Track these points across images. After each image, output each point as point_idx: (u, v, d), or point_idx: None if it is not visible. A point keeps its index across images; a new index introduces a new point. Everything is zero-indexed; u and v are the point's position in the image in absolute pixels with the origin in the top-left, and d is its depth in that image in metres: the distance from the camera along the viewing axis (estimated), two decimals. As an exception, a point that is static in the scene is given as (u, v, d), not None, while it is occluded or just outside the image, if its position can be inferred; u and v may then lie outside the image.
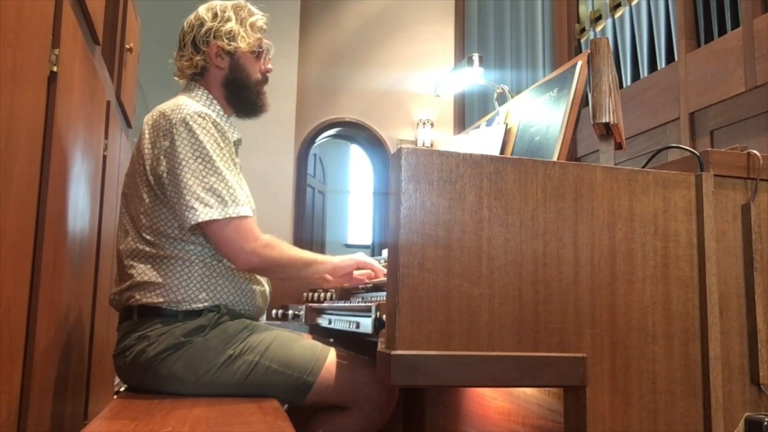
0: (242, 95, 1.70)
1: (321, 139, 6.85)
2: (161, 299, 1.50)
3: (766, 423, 1.08)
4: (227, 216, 1.48)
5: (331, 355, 1.56)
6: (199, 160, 1.49)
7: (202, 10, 1.69)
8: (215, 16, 1.67)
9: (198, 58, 1.66)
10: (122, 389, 1.64)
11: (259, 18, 1.72)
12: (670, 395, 1.08)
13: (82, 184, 1.76)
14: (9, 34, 1.09)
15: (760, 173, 1.16)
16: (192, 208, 1.47)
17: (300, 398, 1.52)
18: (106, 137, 2.15)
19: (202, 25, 1.66)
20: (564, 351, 1.04)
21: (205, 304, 1.52)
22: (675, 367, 1.09)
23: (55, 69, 1.37)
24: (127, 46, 2.66)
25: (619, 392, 1.06)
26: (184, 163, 1.49)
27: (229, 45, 1.65)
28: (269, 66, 1.75)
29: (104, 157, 2.14)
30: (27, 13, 1.18)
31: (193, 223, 1.47)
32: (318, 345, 1.60)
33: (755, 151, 1.17)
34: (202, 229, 1.51)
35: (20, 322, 1.24)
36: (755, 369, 1.12)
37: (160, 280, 1.51)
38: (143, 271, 1.53)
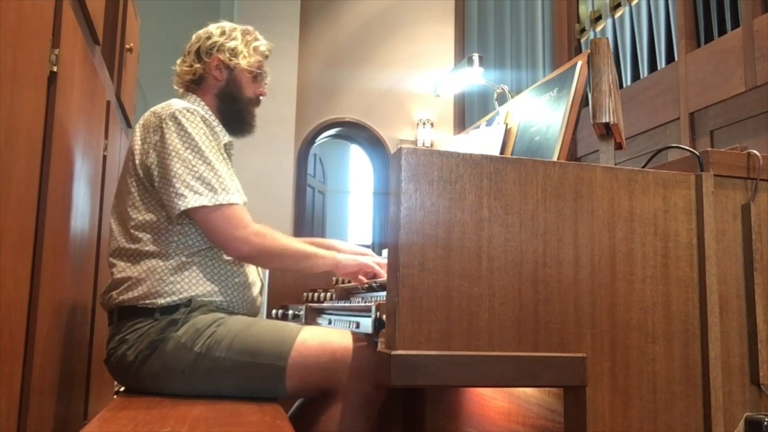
0: (233, 108, 1.75)
1: (321, 139, 6.85)
2: (136, 294, 1.50)
3: (766, 423, 1.08)
4: (217, 203, 1.50)
5: (302, 335, 1.50)
6: (189, 150, 1.53)
7: (212, 27, 1.77)
8: (223, 33, 1.75)
9: (198, 66, 1.73)
10: (122, 389, 1.64)
11: (264, 44, 1.80)
12: (670, 395, 1.08)
13: (82, 184, 1.76)
14: (9, 34, 1.09)
15: (760, 173, 1.16)
16: (181, 195, 1.49)
17: (280, 386, 1.47)
18: (106, 137, 2.15)
19: (209, 38, 1.74)
20: (564, 351, 1.04)
21: (180, 297, 1.50)
22: (675, 367, 1.09)
23: (55, 69, 1.37)
24: (127, 46, 2.66)
25: (619, 392, 1.06)
26: (173, 153, 1.52)
27: (230, 60, 1.73)
28: (264, 90, 1.82)
29: (104, 157, 2.14)
30: (27, 13, 1.18)
31: (182, 209, 1.49)
32: (288, 326, 1.54)
33: (755, 151, 1.17)
34: (191, 217, 1.53)
35: (20, 322, 1.24)
36: (755, 369, 1.12)
37: (135, 274, 1.52)
38: (123, 268, 1.54)
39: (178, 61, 1.76)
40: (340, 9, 6.76)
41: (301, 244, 1.65)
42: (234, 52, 1.73)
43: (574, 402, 1.06)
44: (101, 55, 2.12)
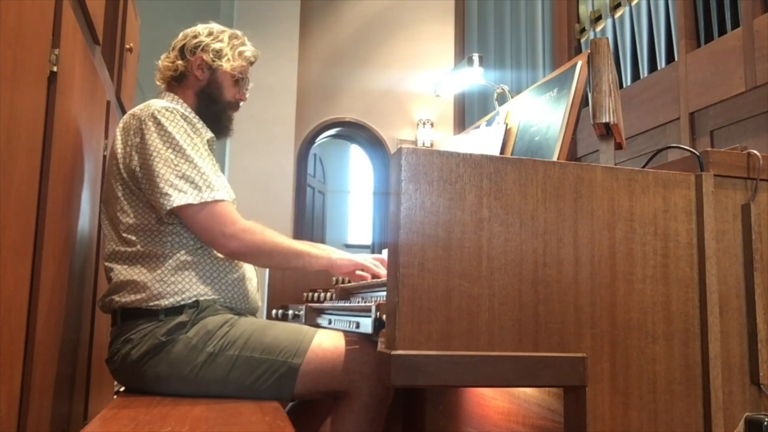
0: (212, 109, 1.74)
1: (321, 139, 6.84)
2: (138, 296, 1.50)
3: (766, 423, 1.08)
4: (202, 200, 1.50)
5: (318, 336, 1.52)
6: (170, 149, 1.52)
7: (201, 27, 1.76)
8: (210, 34, 1.75)
9: (180, 62, 1.72)
10: (122, 389, 1.65)
11: (249, 50, 1.79)
12: (670, 395, 1.08)
13: (82, 184, 1.77)
14: (9, 34, 1.09)
15: (760, 173, 1.16)
16: (166, 194, 1.48)
17: (289, 385, 1.48)
18: (106, 137, 2.15)
19: (195, 37, 1.74)
20: (564, 351, 1.04)
21: (183, 296, 1.50)
22: (675, 367, 1.09)
23: (55, 69, 1.37)
24: (127, 46, 2.66)
25: (619, 392, 1.06)
26: (155, 154, 1.51)
27: (213, 61, 1.72)
28: (245, 95, 1.81)
29: (104, 157, 2.14)
30: (27, 13, 1.18)
31: (168, 208, 1.48)
32: (304, 328, 1.56)
33: (755, 151, 1.17)
34: (179, 216, 1.52)
35: (20, 322, 1.24)
36: (755, 369, 1.12)
37: (135, 277, 1.51)
38: (120, 272, 1.53)
39: (162, 56, 1.76)
40: (340, 9, 6.75)
41: (293, 242, 1.64)
42: (218, 54, 1.72)
43: (574, 402, 1.06)
44: (101, 55, 2.12)
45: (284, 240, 1.62)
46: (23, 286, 1.25)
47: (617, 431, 1.05)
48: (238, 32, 1.80)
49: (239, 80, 1.77)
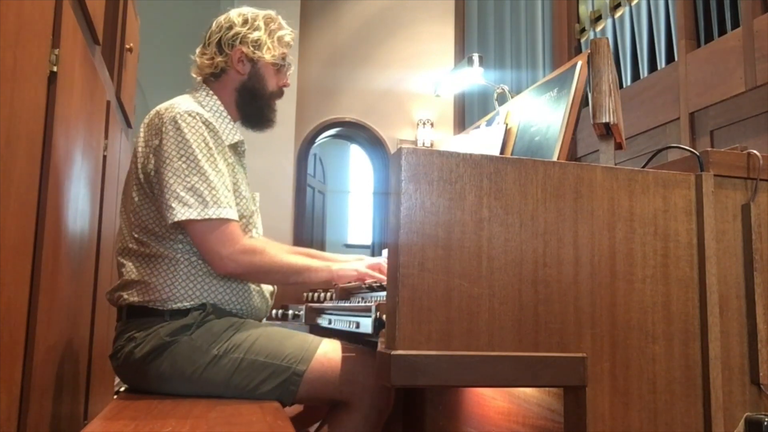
0: (254, 104, 1.69)
1: (321, 139, 6.84)
2: (147, 297, 1.49)
3: (766, 423, 1.08)
4: (206, 217, 1.45)
5: (323, 345, 1.52)
6: (183, 159, 1.47)
7: (234, 14, 1.68)
8: (245, 22, 1.67)
9: (219, 59, 1.65)
10: (122, 389, 1.65)
11: (288, 33, 1.73)
12: (670, 395, 1.08)
13: (82, 184, 1.76)
14: (9, 34, 1.09)
15: (760, 173, 1.16)
16: (170, 207, 1.45)
17: (292, 391, 1.47)
18: (106, 137, 2.15)
19: (230, 28, 1.66)
20: (564, 351, 1.04)
21: (192, 302, 1.50)
22: (675, 367, 1.09)
23: (55, 69, 1.37)
24: (127, 46, 2.66)
25: (619, 392, 1.06)
26: (168, 161, 1.48)
27: (254, 53, 1.65)
28: (288, 81, 1.76)
29: (104, 157, 2.14)
30: (27, 13, 1.18)
31: (171, 222, 1.46)
32: (309, 336, 1.56)
33: (755, 151, 1.17)
34: (182, 229, 1.50)
35: (20, 322, 1.24)
36: (755, 369, 1.12)
37: (145, 278, 1.50)
38: (131, 270, 1.52)
39: (198, 50, 1.69)
40: (340, 9, 6.75)
41: (294, 258, 1.61)
42: (257, 44, 1.65)
43: (574, 402, 1.06)
44: (101, 55, 2.12)
45: (284, 257, 1.57)
46: (23, 286, 1.25)
47: (617, 431, 1.05)
48: (272, 13, 1.73)
49: (281, 67, 1.71)
